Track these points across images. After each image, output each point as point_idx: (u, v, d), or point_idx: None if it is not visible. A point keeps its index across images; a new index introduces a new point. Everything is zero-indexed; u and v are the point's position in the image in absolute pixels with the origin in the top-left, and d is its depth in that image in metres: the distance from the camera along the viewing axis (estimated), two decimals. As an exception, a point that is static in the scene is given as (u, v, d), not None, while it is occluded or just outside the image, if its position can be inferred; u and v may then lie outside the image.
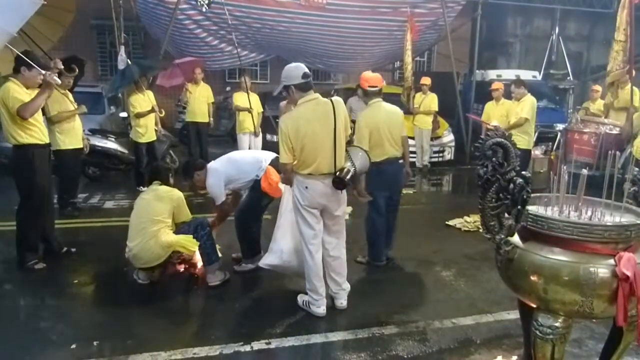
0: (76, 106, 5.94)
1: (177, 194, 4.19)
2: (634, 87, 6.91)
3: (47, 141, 4.61)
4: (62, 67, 5.53)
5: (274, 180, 4.18)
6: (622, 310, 2.15)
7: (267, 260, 4.02)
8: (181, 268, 4.35)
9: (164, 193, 4.15)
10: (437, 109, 9.75)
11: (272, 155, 4.36)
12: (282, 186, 3.88)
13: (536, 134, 8.80)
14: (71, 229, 5.59)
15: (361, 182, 4.17)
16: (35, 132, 4.42)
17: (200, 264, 4.28)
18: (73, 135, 5.93)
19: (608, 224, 2.26)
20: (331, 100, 3.55)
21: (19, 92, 4.26)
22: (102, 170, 8.11)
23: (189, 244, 4.01)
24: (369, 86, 4.52)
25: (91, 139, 7.34)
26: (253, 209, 4.40)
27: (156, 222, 3.97)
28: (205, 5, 8.95)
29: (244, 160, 4.48)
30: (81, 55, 6.94)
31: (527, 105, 6.75)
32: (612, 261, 2.16)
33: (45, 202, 4.65)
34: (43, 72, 4.32)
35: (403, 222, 5.59)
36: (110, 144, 7.90)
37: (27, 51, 4.57)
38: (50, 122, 5.67)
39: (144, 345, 3.27)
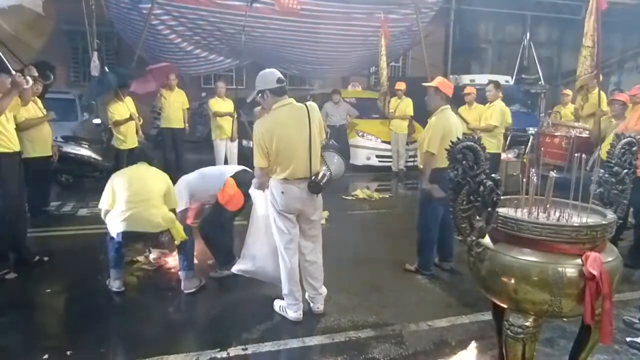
0: (45, 113, 5.83)
1: (168, 178, 4.24)
2: (601, 92, 7.08)
3: (17, 149, 4.53)
4: (37, 74, 5.44)
5: (228, 193, 4.30)
6: (590, 309, 2.20)
7: (240, 266, 4.03)
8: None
9: (159, 174, 4.20)
10: (412, 114, 9.84)
11: (238, 168, 4.53)
12: (253, 192, 3.91)
13: (509, 138, 8.99)
14: (44, 238, 5.47)
15: (425, 177, 4.34)
16: (4, 140, 4.34)
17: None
18: (42, 143, 5.79)
19: (575, 224, 2.31)
20: (305, 105, 3.57)
21: None
22: (76, 178, 7.97)
23: (181, 232, 4.07)
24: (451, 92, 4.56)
25: (64, 146, 7.23)
26: (215, 219, 4.44)
27: (160, 198, 4.04)
28: None
29: (211, 174, 4.67)
30: (53, 62, 6.82)
31: (496, 112, 6.97)
32: (579, 261, 2.21)
33: (16, 210, 4.55)
34: (13, 72, 4.28)
35: (379, 226, 5.63)
36: (84, 151, 7.75)
37: None
38: (19, 129, 5.55)
39: (119, 353, 3.24)
